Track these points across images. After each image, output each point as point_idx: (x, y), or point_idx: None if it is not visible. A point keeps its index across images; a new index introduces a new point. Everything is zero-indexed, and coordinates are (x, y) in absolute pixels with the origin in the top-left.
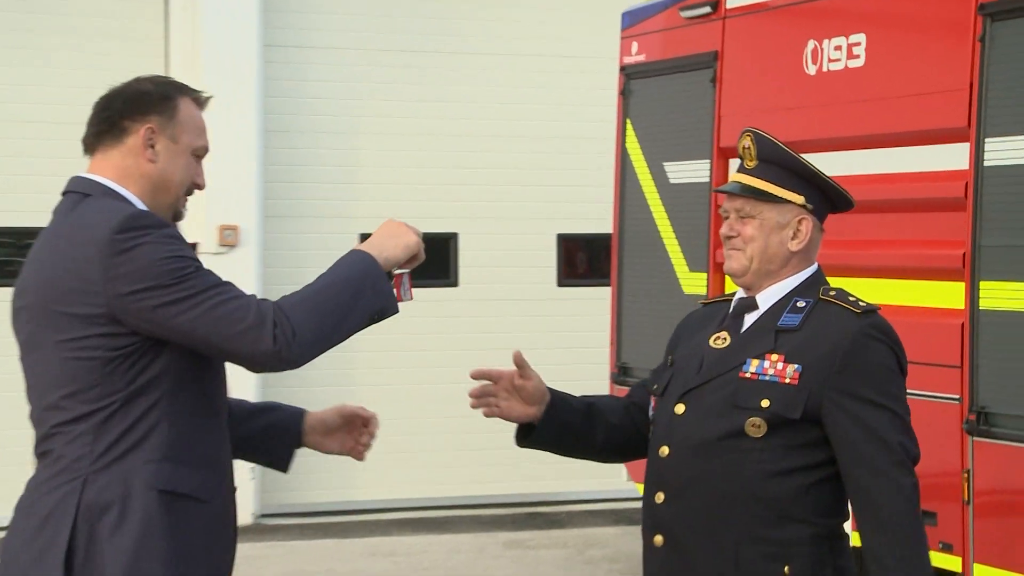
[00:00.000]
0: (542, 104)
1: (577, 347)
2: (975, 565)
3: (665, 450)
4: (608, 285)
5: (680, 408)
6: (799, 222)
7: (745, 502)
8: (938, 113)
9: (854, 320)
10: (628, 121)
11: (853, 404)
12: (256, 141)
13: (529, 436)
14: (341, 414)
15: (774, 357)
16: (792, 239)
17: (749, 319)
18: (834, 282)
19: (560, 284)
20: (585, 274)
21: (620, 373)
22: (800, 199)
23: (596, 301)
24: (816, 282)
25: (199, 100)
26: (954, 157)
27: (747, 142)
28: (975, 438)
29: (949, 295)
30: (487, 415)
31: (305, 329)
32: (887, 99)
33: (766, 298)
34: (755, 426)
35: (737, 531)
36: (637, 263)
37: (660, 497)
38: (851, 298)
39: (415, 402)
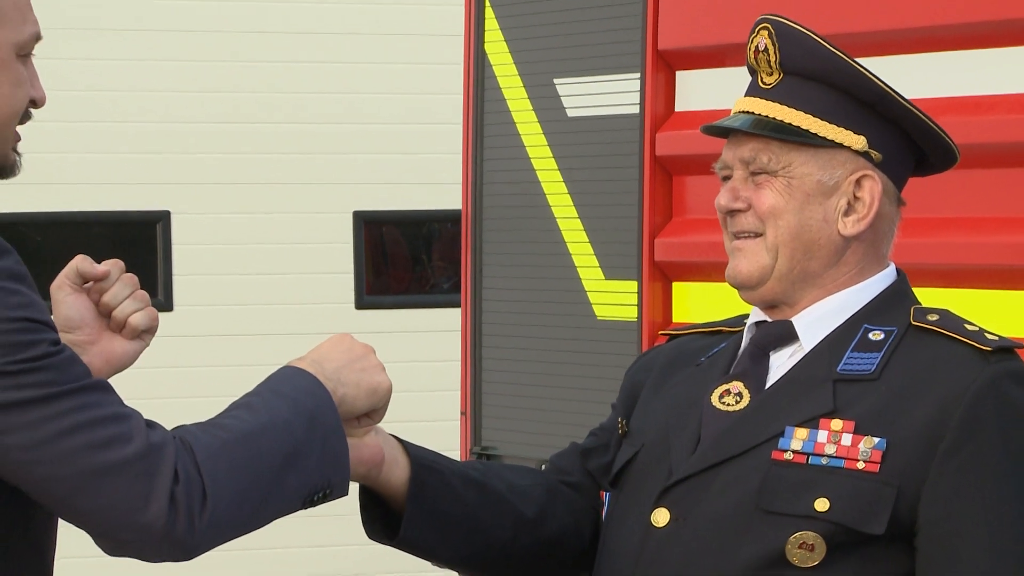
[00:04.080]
0: None
1: (398, 420)
2: None
3: None
4: (455, 305)
5: (661, 516)
6: (858, 183)
7: None
8: None
9: (978, 365)
10: (487, 6)
11: (968, 516)
12: None
13: (388, 525)
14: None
15: (836, 425)
16: (846, 214)
17: (781, 360)
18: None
19: (363, 304)
20: (410, 285)
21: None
22: (860, 142)
23: (431, 336)
24: (899, 298)
25: None
26: None
27: (763, 40)
28: None
29: None
30: None
31: (224, 495)
32: None
33: (809, 323)
34: (806, 547)
35: None
36: (509, 265)
37: None
38: (970, 327)
39: None
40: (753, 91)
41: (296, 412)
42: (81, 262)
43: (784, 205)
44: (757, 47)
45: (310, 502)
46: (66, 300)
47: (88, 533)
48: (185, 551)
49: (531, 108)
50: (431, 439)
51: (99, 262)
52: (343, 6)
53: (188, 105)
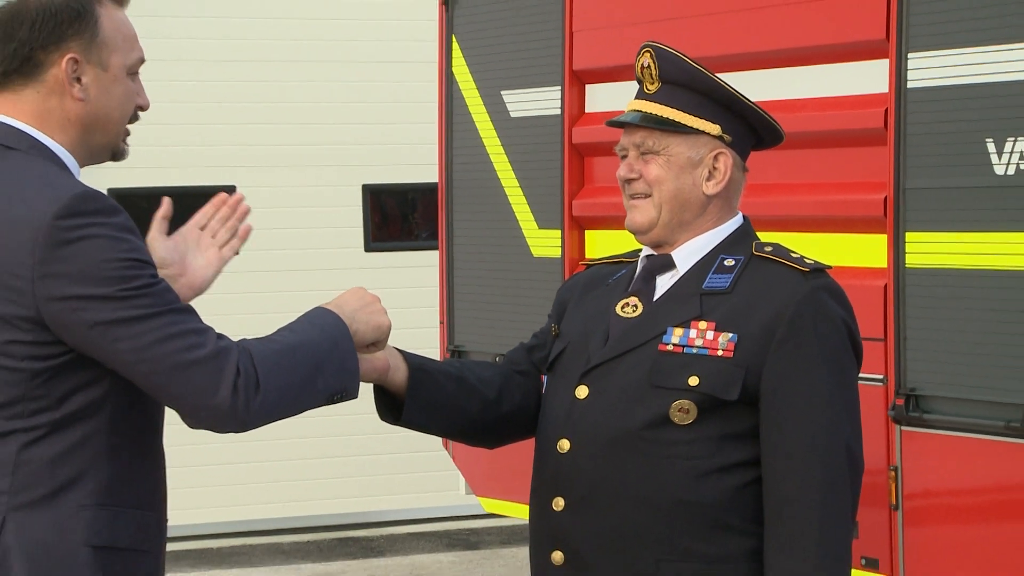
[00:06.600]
0: (340, 20)
1: (395, 327)
2: None
3: (565, 444)
4: (433, 248)
5: (582, 391)
6: (715, 158)
7: (669, 509)
8: (849, 22)
9: (800, 281)
10: (454, 39)
11: (793, 387)
12: None
13: (394, 411)
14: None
15: (702, 325)
16: (708, 179)
17: (664, 281)
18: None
19: (369, 248)
20: (402, 235)
21: (453, 358)
22: (715, 129)
23: (418, 269)
24: (745, 236)
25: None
26: (870, 77)
27: (647, 60)
28: (903, 427)
29: (867, 250)
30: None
31: (272, 387)
32: (783, 6)
33: (684, 256)
34: (683, 411)
35: (658, 545)
36: (471, 220)
37: (559, 504)
38: (794, 255)
39: None
40: (640, 95)
41: (324, 337)
42: (160, 214)
43: (665, 175)
44: (643, 64)
45: (331, 400)
46: (158, 246)
47: (177, 412)
48: (242, 425)
49: (485, 111)
50: (420, 340)
51: (183, 222)
52: (359, 43)
53: (248, 111)
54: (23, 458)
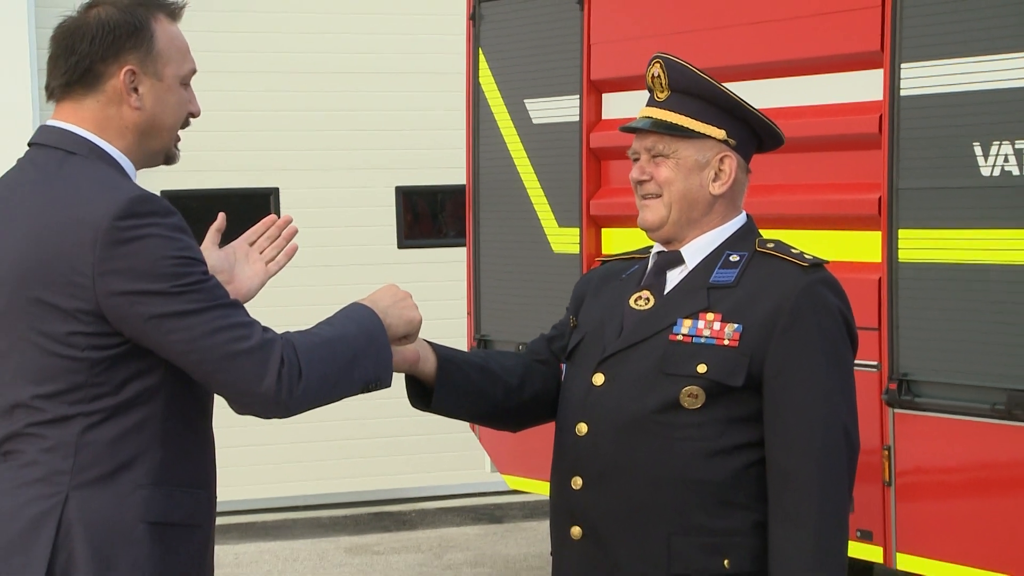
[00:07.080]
0: (375, 34)
1: (426, 318)
2: (898, 555)
3: (583, 428)
4: (461, 245)
5: (599, 378)
6: (721, 160)
7: (680, 487)
8: (846, 35)
9: (799, 275)
10: (480, 51)
11: (794, 373)
12: (29, 63)
13: (424, 398)
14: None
15: (709, 316)
16: (714, 180)
17: (674, 276)
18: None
19: (402, 245)
20: (432, 233)
21: (479, 347)
22: (721, 133)
23: (447, 264)
24: (749, 233)
25: (174, 13)
26: (866, 86)
27: (657, 70)
28: (896, 410)
29: (863, 246)
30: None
31: (312, 376)
32: (785, 21)
33: (692, 252)
34: (692, 396)
35: (669, 521)
36: (496, 219)
37: (577, 483)
38: (794, 250)
39: None
40: (651, 103)
41: (360, 330)
42: (215, 226)
43: (674, 177)
44: (653, 74)
45: (366, 389)
46: (210, 255)
47: (225, 399)
48: (286, 411)
49: (509, 118)
50: (448, 330)
51: (233, 224)
52: (393, 56)
53: (290, 120)
54: (84, 440)
